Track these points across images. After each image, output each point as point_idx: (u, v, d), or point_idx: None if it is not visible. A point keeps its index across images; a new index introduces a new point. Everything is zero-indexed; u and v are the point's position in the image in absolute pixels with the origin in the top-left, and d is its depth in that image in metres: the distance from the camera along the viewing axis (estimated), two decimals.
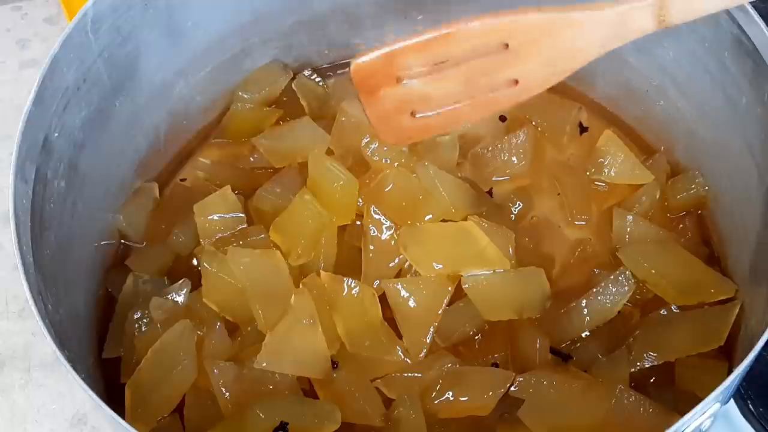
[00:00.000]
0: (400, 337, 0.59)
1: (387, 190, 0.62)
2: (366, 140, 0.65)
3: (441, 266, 0.59)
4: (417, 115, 0.55)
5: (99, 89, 0.61)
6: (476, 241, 0.59)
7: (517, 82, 0.53)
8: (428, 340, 0.58)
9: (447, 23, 0.53)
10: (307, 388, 0.58)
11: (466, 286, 0.59)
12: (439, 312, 0.58)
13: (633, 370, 0.57)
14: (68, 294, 0.57)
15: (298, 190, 0.63)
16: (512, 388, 0.56)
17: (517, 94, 0.53)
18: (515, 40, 0.52)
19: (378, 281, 0.60)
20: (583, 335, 0.60)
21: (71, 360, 0.47)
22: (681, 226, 0.66)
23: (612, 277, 0.60)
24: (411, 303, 0.58)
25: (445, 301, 0.58)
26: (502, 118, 0.73)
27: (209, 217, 0.63)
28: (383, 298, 0.59)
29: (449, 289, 0.58)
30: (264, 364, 0.55)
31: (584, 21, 0.50)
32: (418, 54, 0.53)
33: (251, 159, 0.70)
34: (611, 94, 0.72)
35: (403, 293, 0.58)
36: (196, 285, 0.61)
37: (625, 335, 0.59)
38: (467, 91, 0.53)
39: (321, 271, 0.60)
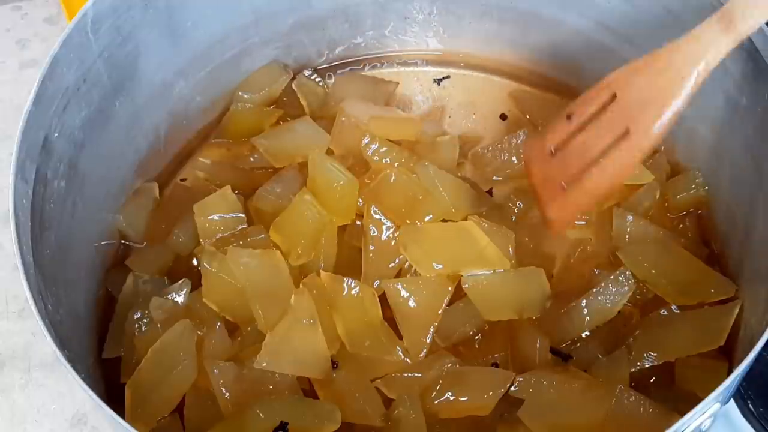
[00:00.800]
0: (400, 337, 0.59)
1: (387, 190, 0.62)
2: (366, 140, 0.65)
3: (441, 266, 0.59)
4: (565, 185, 0.59)
5: (99, 89, 0.61)
6: (476, 241, 0.59)
7: (628, 130, 0.55)
8: (428, 340, 0.58)
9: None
10: (307, 388, 0.58)
11: (466, 285, 0.59)
12: (439, 312, 0.58)
13: (633, 370, 0.57)
14: (68, 294, 0.57)
15: (298, 190, 0.63)
16: (512, 388, 0.56)
17: (632, 146, 0.55)
18: (618, 88, 0.56)
19: (378, 281, 0.60)
20: (583, 335, 0.60)
21: (71, 360, 0.47)
22: (681, 226, 0.66)
23: (612, 277, 0.60)
24: (411, 303, 0.58)
25: (445, 301, 0.58)
26: (503, 117, 0.73)
27: (209, 217, 0.63)
28: (383, 298, 0.59)
29: (449, 289, 0.58)
30: (264, 364, 0.55)
31: (662, 54, 0.54)
32: (556, 127, 0.60)
33: (251, 159, 0.71)
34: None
35: (403, 293, 0.58)
36: (196, 285, 0.61)
37: (625, 335, 0.59)
38: (595, 151, 0.57)
39: (321, 271, 0.60)
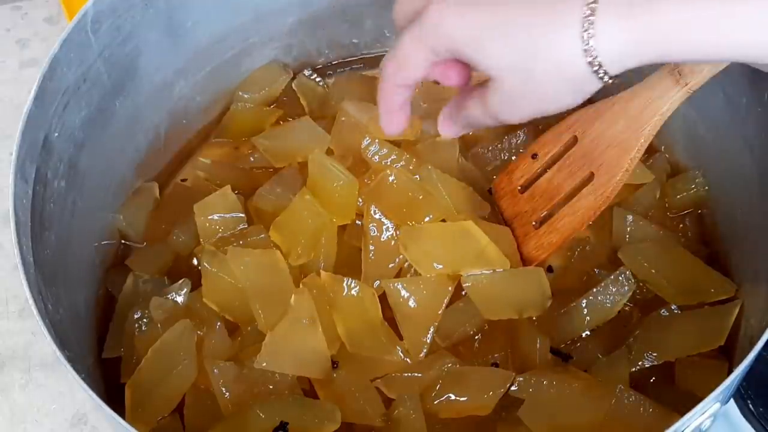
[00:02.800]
0: (400, 337, 0.59)
1: (387, 190, 0.62)
2: (366, 142, 0.65)
3: (441, 266, 0.59)
4: (536, 224, 0.62)
5: (99, 89, 0.61)
6: (476, 240, 0.59)
7: (593, 174, 0.58)
8: (428, 340, 0.58)
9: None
10: (307, 388, 0.58)
11: (467, 285, 0.59)
12: (439, 312, 0.58)
13: (633, 369, 0.57)
14: (68, 294, 0.57)
15: (298, 190, 0.63)
16: (512, 388, 0.56)
17: (596, 190, 0.58)
18: (579, 131, 0.59)
19: (378, 281, 0.60)
20: (583, 335, 0.60)
21: (71, 360, 0.47)
22: (681, 225, 0.66)
23: (612, 277, 0.60)
24: (411, 303, 0.58)
25: (445, 301, 0.58)
26: None
27: (209, 217, 0.63)
28: (383, 298, 0.59)
29: (449, 289, 0.58)
30: (264, 364, 0.55)
31: (619, 100, 0.56)
32: (520, 166, 0.63)
33: (251, 159, 0.70)
34: (611, 92, 0.72)
35: (403, 293, 0.58)
36: (196, 285, 0.61)
37: (625, 335, 0.59)
38: (562, 191, 0.60)
39: (321, 271, 0.60)
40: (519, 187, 0.63)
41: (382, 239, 0.61)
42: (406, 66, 0.47)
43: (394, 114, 0.51)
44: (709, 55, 0.40)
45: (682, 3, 0.39)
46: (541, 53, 0.42)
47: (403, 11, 0.48)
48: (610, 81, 0.42)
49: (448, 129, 0.53)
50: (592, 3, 0.40)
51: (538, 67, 0.42)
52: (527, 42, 0.42)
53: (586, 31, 0.40)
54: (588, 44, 0.40)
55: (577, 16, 0.40)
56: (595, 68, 0.41)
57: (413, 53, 0.46)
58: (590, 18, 0.40)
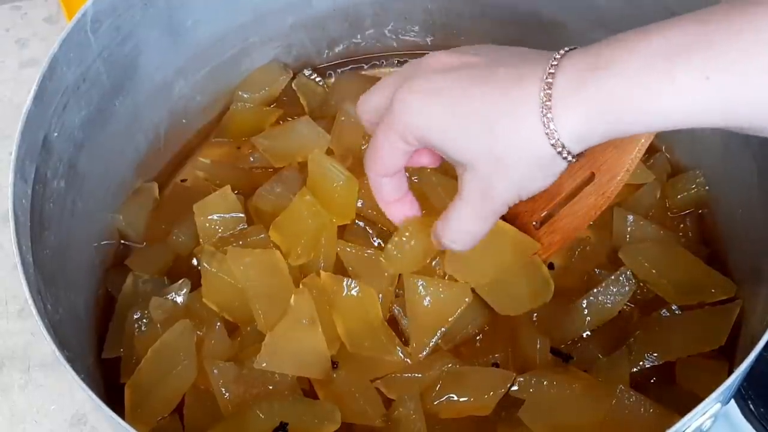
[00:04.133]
0: (400, 337, 0.59)
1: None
2: (365, 146, 0.65)
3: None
4: (536, 224, 0.61)
5: (99, 89, 0.61)
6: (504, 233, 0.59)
7: (593, 174, 0.57)
8: (432, 343, 0.58)
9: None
10: (307, 388, 0.58)
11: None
12: (450, 319, 0.58)
13: (633, 370, 0.57)
14: (68, 294, 0.57)
15: (298, 190, 0.63)
16: (512, 389, 0.56)
17: (598, 190, 0.56)
18: None
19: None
20: (584, 335, 0.60)
21: (71, 360, 0.46)
22: (681, 225, 0.66)
23: (612, 277, 0.59)
24: (425, 302, 0.58)
25: (460, 310, 0.58)
26: None
27: (209, 217, 0.63)
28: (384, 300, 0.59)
29: (466, 300, 0.58)
30: (264, 364, 0.55)
31: None
32: None
33: (251, 159, 0.70)
34: None
35: (421, 290, 0.58)
36: (196, 285, 0.61)
37: (625, 335, 0.59)
38: (562, 192, 0.58)
39: (321, 271, 0.60)
40: None
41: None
42: (383, 159, 0.48)
43: (392, 204, 0.53)
44: (662, 123, 0.39)
45: (627, 74, 0.39)
46: (505, 140, 0.42)
47: (371, 106, 0.49)
48: (575, 160, 0.43)
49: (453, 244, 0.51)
50: (547, 89, 0.40)
51: (507, 152, 0.43)
52: (491, 131, 0.42)
53: (544, 116, 0.41)
54: (548, 128, 0.41)
55: (534, 102, 0.41)
56: (559, 150, 0.42)
57: (387, 146, 0.47)
58: (547, 103, 0.40)
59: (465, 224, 0.48)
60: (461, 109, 0.43)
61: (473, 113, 0.42)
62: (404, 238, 0.57)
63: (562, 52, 0.42)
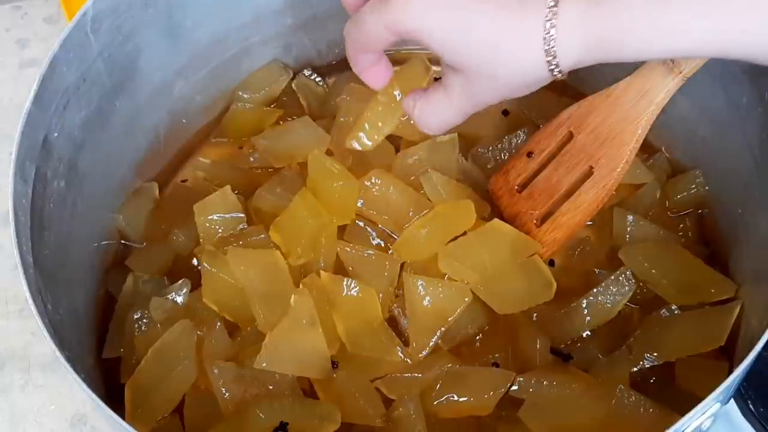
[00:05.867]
0: (400, 337, 0.59)
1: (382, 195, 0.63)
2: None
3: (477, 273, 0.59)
4: (537, 222, 0.62)
5: (99, 89, 0.61)
6: (505, 234, 0.60)
7: (591, 168, 0.58)
8: (432, 343, 0.58)
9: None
10: (307, 389, 0.58)
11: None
12: (450, 319, 0.58)
13: (633, 370, 0.57)
14: (68, 294, 0.57)
15: (298, 190, 0.63)
16: (512, 388, 0.56)
17: (598, 183, 0.58)
18: (573, 127, 0.59)
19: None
20: (584, 335, 0.60)
21: (71, 360, 0.46)
22: (681, 225, 0.66)
23: (612, 277, 0.59)
24: (425, 302, 0.58)
25: (460, 310, 0.58)
26: (505, 113, 0.73)
27: (209, 217, 0.63)
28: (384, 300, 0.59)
29: (466, 299, 0.58)
30: (264, 364, 0.55)
31: (613, 93, 0.56)
32: (516, 165, 0.63)
33: (251, 159, 0.70)
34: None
35: (421, 290, 0.58)
36: (196, 285, 0.61)
37: (625, 335, 0.59)
38: (562, 188, 0.60)
39: (321, 271, 0.60)
40: (516, 186, 0.63)
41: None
42: (366, 39, 0.48)
43: (368, 71, 0.52)
44: (658, 52, 0.42)
45: (632, 2, 0.41)
46: (505, 61, 0.44)
47: None
48: (559, 75, 0.44)
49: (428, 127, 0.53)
50: (552, 18, 0.42)
51: (503, 72, 0.44)
52: (494, 50, 0.43)
53: (547, 43, 0.43)
54: (550, 55, 0.43)
55: (539, 27, 0.42)
56: (554, 72, 0.44)
57: (374, 30, 0.46)
58: (551, 32, 0.42)
59: (444, 115, 0.50)
60: (466, 20, 0.43)
61: (476, 27, 0.43)
62: (416, 228, 0.59)
63: None
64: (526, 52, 0.43)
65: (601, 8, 0.41)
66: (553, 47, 0.43)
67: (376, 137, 0.58)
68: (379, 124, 0.58)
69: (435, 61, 0.54)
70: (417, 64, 0.58)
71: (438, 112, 0.50)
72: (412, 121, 0.52)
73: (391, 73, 0.53)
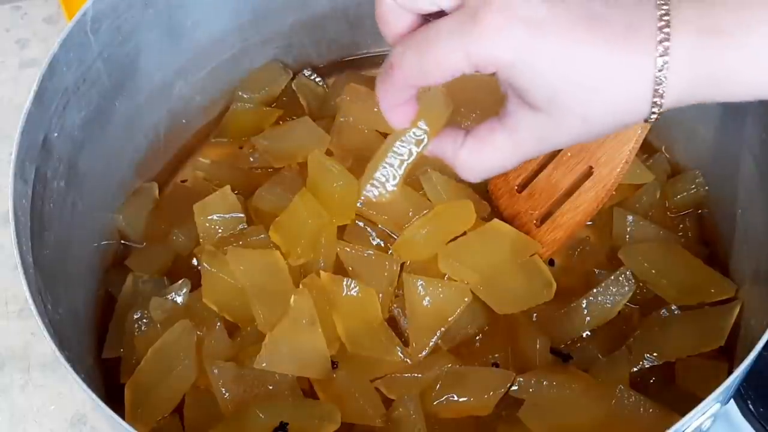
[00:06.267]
0: (400, 337, 0.59)
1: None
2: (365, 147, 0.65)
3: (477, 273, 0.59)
4: (537, 222, 0.61)
5: (99, 89, 0.61)
6: (504, 234, 0.60)
7: (591, 168, 0.57)
8: (432, 343, 0.58)
9: None
10: (307, 389, 0.58)
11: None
12: (450, 319, 0.58)
13: (633, 370, 0.57)
14: (68, 294, 0.57)
15: (298, 190, 0.62)
16: (512, 389, 0.56)
17: (598, 183, 0.57)
18: None
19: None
20: (584, 335, 0.60)
21: (71, 360, 0.46)
22: (681, 225, 0.66)
23: (612, 277, 0.59)
24: (425, 302, 0.58)
25: (459, 310, 0.58)
26: None
27: (209, 217, 0.63)
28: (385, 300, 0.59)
29: (466, 299, 0.58)
30: (264, 364, 0.55)
31: None
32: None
33: (251, 159, 0.70)
34: None
35: (420, 290, 0.58)
36: (196, 285, 0.61)
37: (625, 335, 0.59)
38: (562, 188, 0.59)
39: (321, 271, 0.60)
40: (516, 186, 0.63)
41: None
42: (432, 70, 0.39)
43: (400, 108, 0.44)
44: None
45: (748, 42, 0.36)
46: (605, 104, 0.38)
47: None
48: (653, 118, 0.39)
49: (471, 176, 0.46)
50: (663, 55, 0.37)
51: (600, 116, 0.39)
52: (595, 92, 0.38)
53: (661, 56, 0.37)
54: (660, 70, 0.37)
55: (650, 41, 0.37)
56: (656, 99, 0.38)
57: (449, 58, 0.38)
58: (665, 43, 0.37)
59: (499, 160, 0.43)
60: (570, 54, 0.37)
61: (580, 64, 0.37)
62: (416, 228, 0.58)
63: None
64: (632, 92, 0.38)
65: (714, 42, 0.36)
66: (662, 87, 0.37)
67: (397, 183, 0.50)
68: (401, 169, 0.49)
69: None
70: (438, 95, 0.47)
71: (493, 158, 0.43)
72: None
73: (416, 110, 0.45)
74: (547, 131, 0.40)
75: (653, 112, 0.39)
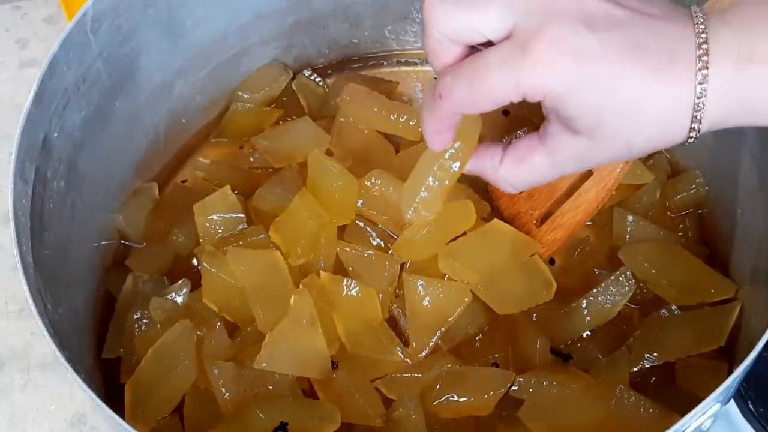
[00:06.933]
0: (400, 337, 0.59)
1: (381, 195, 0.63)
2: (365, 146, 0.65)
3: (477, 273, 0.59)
4: (537, 222, 0.61)
5: (99, 89, 0.61)
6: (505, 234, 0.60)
7: (591, 169, 0.57)
8: (432, 343, 0.58)
9: None
10: (307, 389, 0.58)
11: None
12: (450, 319, 0.58)
13: (633, 370, 0.57)
14: (68, 294, 0.57)
15: (298, 190, 0.63)
16: (512, 389, 0.56)
17: (598, 184, 0.57)
18: None
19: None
20: (584, 335, 0.60)
21: (71, 360, 0.46)
22: (681, 226, 0.66)
23: (612, 277, 0.59)
24: (425, 302, 0.58)
25: (460, 310, 0.58)
26: (505, 113, 0.73)
27: (209, 217, 0.63)
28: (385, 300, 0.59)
29: (466, 299, 0.58)
30: (264, 364, 0.55)
31: None
32: None
33: (251, 159, 0.70)
34: None
35: (420, 290, 0.58)
36: (196, 285, 0.61)
37: (625, 335, 0.59)
38: (562, 188, 0.59)
39: (321, 271, 0.60)
40: None
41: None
42: (480, 100, 0.40)
43: (443, 134, 0.45)
44: None
45: None
46: (649, 130, 0.40)
47: (467, 24, 0.40)
48: (691, 141, 0.41)
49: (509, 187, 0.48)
50: (702, 82, 0.38)
51: (642, 140, 0.40)
52: (638, 118, 0.39)
53: (700, 84, 0.38)
54: (699, 96, 0.39)
55: (690, 67, 0.38)
56: (695, 124, 0.40)
57: (500, 88, 0.39)
58: (704, 71, 0.38)
59: (538, 176, 0.45)
60: (615, 82, 0.38)
61: (624, 92, 0.39)
62: (417, 228, 0.58)
63: (701, 19, 0.39)
64: (672, 118, 0.39)
65: (751, 70, 0.38)
66: (701, 112, 0.39)
67: (437, 202, 0.52)
68: (441, 190, 0.51)
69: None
70: (469, 115, 0.48)
71: (532, 176, 0.45)
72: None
73: (455, 133, 0.47)
74: (588, 153, 0.42)
75: (691, 136, 0.40)
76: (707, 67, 0.38)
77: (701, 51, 0.38)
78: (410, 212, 0.52)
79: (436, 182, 0.50)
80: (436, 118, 0.44)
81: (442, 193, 0.51)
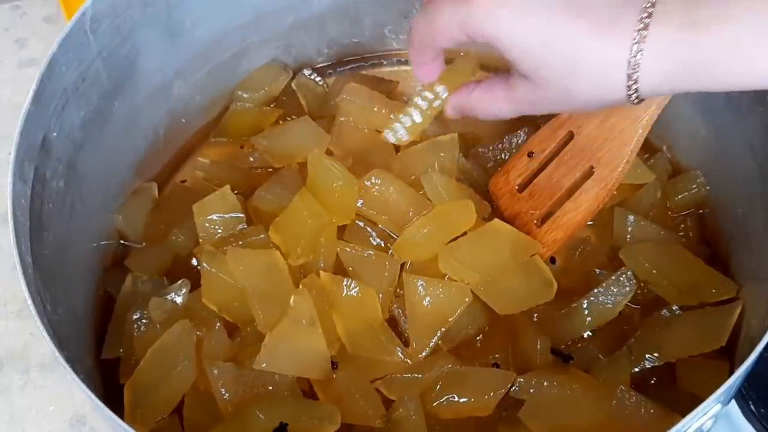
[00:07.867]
0: (400, 337, 0.59)
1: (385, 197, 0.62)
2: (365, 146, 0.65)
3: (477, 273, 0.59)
4: (538, 222, 0.62)
5: (98, 89, 0.60)
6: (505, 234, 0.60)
7: (592, 168, 0.58)
8: (432, 344, 0.58)
9: None
10: (307, 389, 0.57)
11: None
12: (450, 319, 0.58)
13: (634, 370, 0.57)
14: (67, 294, 0.57)
15: (298, 190, 0.62)
16: (513, 389, 0.55)
17: (599, 182, 0.58)
18: (573, 127, 0.59)
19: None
20: (584, 336, 0.60)
21: (70, 360, 0.46)
22: (682, 225, 0.66)
23: (613, 277, 0.59)
24: (425, 302, 0.58)
25: (460, 310, 0.58)
26: None
27: (209, 217, 0.63)
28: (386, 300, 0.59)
29: (466, 300, 0.58)
30: (264, 365, 0.55)
31: None
32: (516, 165, 0.63)
33: (251, 159, 0.70)
34: None
35: (421, 291, 0.58)
36: (195, 285, 0.61)
37: (626, 336, 0.59)
38: (563, 187, 0.60)
39: (321, 271, 0.60)
40: (517, 187, 0.63)
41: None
42: (435, 34, 0.47)
43: (426, 66, 0.52)
44: (749, 84, 0.41)
45: (725, 36, 0.39)
46: (584, 80, 0.43)
47: None
48: (635, 101, 0.43)
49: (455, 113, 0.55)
50: (640, 41, 0.41)
51: (579, 90, 0.44)
52: (573, 67, 0.43)
53: (631, 67, 0.41)
54: (631, 79, 0.42)
55: (624, 51, 0.41)
56: (632, 98, 0.43)
57: (447, 26, 0.46)
58: (638, 56, 0.41)
59: (500, 107, 0.50)
60: (550, 33, 0.43)
61: (560, 43, 0.42)
62: (417, 228, 0.58)
63: None
64: (606, 73, 0.42)
65: (693, 35, 0.40)
66: (636, 72, 0.42)
67: (412, 131, 0.57)
68: (418, 119, 0.56)
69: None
70: (466, 63, 0.55)
71: (493, 103, 0.51)
72: (446, 112, 0.54)
73: (443, 70, 0.53)
74: (536, 97, 0.47)
75: (630, 95, 0.43)
76: (647, 29, 0.41)
77: (645, 14, 0.41)
78: (386, 133, 0.57)
79: (415, 112, 0.56)
80: (413, 51, 0.51)
81: (419, 120, 0.56)
